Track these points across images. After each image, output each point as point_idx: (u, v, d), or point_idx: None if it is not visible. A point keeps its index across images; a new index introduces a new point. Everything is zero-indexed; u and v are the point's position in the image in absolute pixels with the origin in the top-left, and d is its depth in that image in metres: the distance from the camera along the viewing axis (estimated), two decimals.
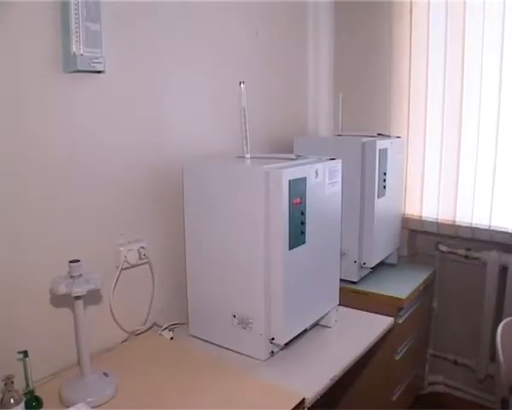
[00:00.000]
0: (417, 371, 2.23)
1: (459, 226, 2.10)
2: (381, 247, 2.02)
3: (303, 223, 1.37)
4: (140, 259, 1.50)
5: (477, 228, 2.06)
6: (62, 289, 1.13)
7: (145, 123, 1.51)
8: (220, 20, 1.73)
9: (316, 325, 1.58)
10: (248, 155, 1.50)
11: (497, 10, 1.89)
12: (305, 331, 1.52)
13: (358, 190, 1.89)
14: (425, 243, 2.29)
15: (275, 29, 1.99)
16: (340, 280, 1.63)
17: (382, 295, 1.87)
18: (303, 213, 1.36)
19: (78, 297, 1.17)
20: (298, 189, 1.34)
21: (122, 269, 1.46)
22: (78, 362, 1.24)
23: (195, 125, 1.67)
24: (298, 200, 1.34)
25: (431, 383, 2.35)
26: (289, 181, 1.30)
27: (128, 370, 1.32)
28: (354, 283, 1.95)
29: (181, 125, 1.62)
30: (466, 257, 2.14)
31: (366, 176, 1.88)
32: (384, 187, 1.95)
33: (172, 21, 1.55)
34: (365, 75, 2.29)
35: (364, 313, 1.69)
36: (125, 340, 1.51)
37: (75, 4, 1.22)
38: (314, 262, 1.46)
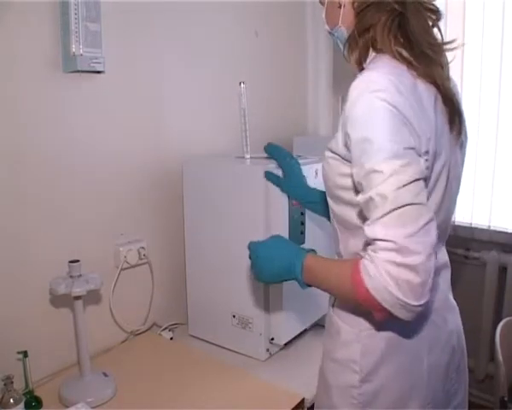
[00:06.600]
0: None
1: (458, 226, 2.09)
2: None
3: (302, 223, 1.37)
4: (140, 259, 1.50)
5: (476, 228, 2.06)
6: (62, 290, 1.13)
7: (145, 123, 1.51)
8: (220, 21, 1.73)
9: (316, 324, 1.58)
10: (248, 155, 1.50)
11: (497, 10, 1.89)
12: (305, 331, 1.52)
13: None
14: None
15: (274, 29, 1.99)
16: None
17: None
18: (302, 214, 1.36)
19: (77, 297, 1.18)
20: None
21: (122, 269, 1.46)
22: (78, 362, 1.24)
23: (195, 125, 1.67)
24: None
25: None
26: None
27: (128, 370, 1.32)
28: None
29: (181, 125, 1.62)
30: (465, 257, 2.14)
31: None
32: None
33: (172, 22, 1.55)
34: None
35: None
36: (125, 340, 1.51)
37: (75, 4, 1.22)
38: None
